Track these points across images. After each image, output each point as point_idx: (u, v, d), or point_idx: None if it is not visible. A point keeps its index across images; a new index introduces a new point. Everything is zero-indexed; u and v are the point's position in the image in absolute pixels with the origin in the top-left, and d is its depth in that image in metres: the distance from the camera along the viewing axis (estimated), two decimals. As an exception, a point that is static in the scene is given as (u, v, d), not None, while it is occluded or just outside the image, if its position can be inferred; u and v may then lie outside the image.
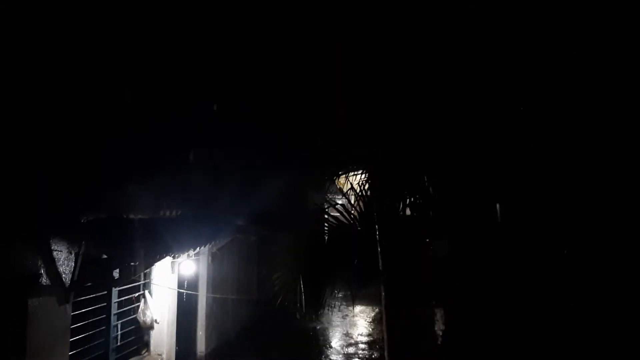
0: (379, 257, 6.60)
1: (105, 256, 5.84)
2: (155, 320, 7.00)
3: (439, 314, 8.04)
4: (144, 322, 6.86)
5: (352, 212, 7.72)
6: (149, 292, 7.12)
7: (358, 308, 16.40)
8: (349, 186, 7.98)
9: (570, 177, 6.05)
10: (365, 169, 7.49)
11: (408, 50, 5.99)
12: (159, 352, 7.30)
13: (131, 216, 5.79)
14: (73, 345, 5.41)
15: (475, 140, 6.26)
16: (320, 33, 6.12)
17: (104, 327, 6.17)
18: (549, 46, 5.55)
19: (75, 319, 5.47)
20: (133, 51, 5.47)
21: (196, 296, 9.00)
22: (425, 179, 7.22)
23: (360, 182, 7.57)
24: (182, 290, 7.92)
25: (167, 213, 6.55)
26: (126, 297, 6.69)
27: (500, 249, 6.58)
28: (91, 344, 5.92)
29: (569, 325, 6.13)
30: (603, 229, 5.84)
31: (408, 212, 7.52)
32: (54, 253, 4.85)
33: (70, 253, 5.08)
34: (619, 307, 5.76)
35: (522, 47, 5.66)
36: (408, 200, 7.09)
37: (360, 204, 7.42)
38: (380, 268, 6.60)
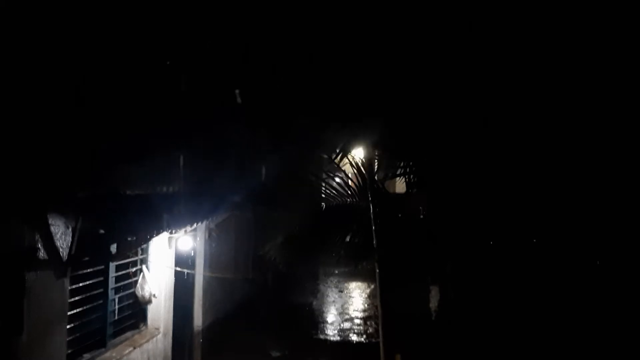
0: (373, 234, 6.64)
1: (102, 231, 5.87)
2: (153, 295, 7.06)
3: (433, 291, 8.15)
4: (142, 296, 6.91)
5: (348, 190, 7.74)
6: (147, 267, 7.16)
7: (353, 284, 16.57)
8: (347, 163, 7.98)
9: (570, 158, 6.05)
10: (363, 144, 7.48)
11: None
12: (156, 326, 7.38)
13: (128, 192, 5.79)
14: (71, 318, 5.47)
15: (476, 117, 6.23)
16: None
17: (101, 302, 6.22)
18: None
19: (73, 293, 5.52)
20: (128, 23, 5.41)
21: (193, 271, 9.06)
22: (423, 155, 7.22)
23: (358, 159, 7.58)
24: (180, 270, 7.97)
25: (165, 189, 6.56)
26: (123, 272, 6.73)
27: (497, 229, 6.62)
28: (89, 318, 5.97)
29: (564, 307, 6.21)
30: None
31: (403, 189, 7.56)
32: (51, 228, 4.87)
33: (68, 228, 5.10)
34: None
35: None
36: (405, 178, 7.10)
37: (357, 180, 7.44)
38: (375, 246, 6.63)
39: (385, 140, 6.70)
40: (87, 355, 5.93)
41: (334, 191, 7.92)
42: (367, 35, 5.78)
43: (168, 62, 6.28)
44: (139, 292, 6.90)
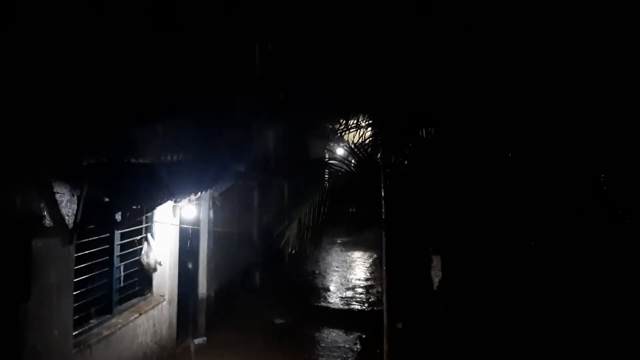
0: (382, 203, 6.64)
1: (107, 199, 5.88)
2: (159, 263, 7.12)
3: (435, 260, 8.20)
4: (148, 264, 6.98)
5: (353, 160, 7.73)
6: (151, 235, 7.21)
7: (356, 254, 16.70)
8: (352, 134, 7.96)
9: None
10: (370, 114, 7.44)
11: None
12: (162, 294, 7.47)
13: (133, 160, 5.79)
14: (77, 285, 5.52)
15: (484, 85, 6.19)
16: None
17: (107, 269, 6.28)
18: None
19: (79, 260, 5.56)
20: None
21: (198, 240, 9.12)
22: (428, 129, 7.20)
23: (364, 132, 7.54)
24: (184, 238, 8.02)
25: (169, 157, 6.55)
26: (128, 240, 6.78)
27: (500, 202, 6.64)
28: (95, 285, 6.03)
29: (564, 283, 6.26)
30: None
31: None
32: (57, 195, 4.88)
33: (73, 196, 5.11)
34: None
35: None
36: (410, 148, 7.10)
37: (363, 151, 7.42)
38: (383, 215, 6.65)
39: (391, 110, 6.67)
40: (93, 321, 6.02)
41: (338, 162, 7.91)
42: None
43: (173, 27, 6.21)
44: (144, 259, 6.96)
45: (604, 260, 6.09)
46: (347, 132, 7.85)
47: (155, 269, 7.14)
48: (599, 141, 6.03)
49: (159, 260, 7.15)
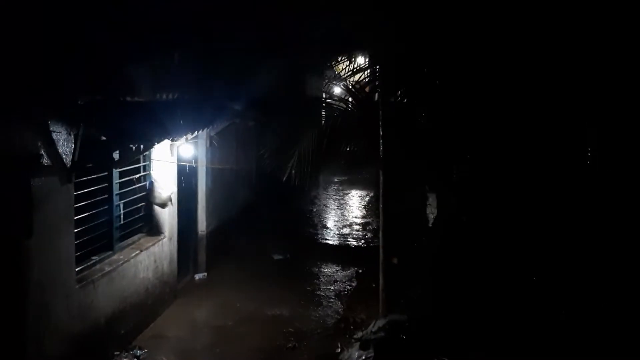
0: (380, 141, 6.65)
1: (104, 138, 5.89)
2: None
3: (431, 198, 8.29)
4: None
5: (351, 99, 7.68)
6: (151, 174, 7.30)
7: (353, 192, 16.86)
8: (349, 73, 7.87)
9: None
10: (368, 51, 7.32)
11: None
12: (162, 231, 7.59)
13: (129, 98, 5.75)
14: (78, 223, 5.61)
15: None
16: None
17: (106, 207, 6.35)
18: None
19: (79, 198, 5.62)
20: None
21: (196, 178, 9.18)
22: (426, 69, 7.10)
23: (362, 72, 7.45)
24: (182, 175, 8.07)
25: (165, 96, 6.50)
26: (127, 179, 6.83)
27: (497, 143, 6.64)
28: (95, 222, 6.13)
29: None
30: None
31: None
32: (53, 134, 4.89)
33: (70, 135, 5.12)
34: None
35: None
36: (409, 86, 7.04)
37: (361, 90, 7.36)
38: (381, 154, 6.68)
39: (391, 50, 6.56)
40: (95, 258, 6.14)
41: (335, 101, 7.86)
42: None
43: None
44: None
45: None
46: (347, 73, 7.77)
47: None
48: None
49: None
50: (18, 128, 4.46)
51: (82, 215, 5.74)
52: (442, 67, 6.73)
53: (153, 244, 7.25)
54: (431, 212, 8.21)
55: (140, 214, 7.31)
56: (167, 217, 7.63)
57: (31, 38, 4.31)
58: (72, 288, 5.42)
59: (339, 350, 6.61)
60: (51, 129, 4.86)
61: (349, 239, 12.09)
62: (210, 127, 8.39)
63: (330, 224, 13.55)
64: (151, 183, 7.29)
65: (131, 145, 6.19)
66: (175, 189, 7.76)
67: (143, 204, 7.35)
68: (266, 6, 6.83)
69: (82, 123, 5.12)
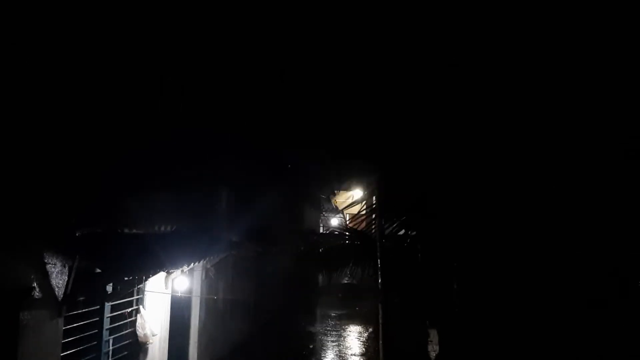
0: (379, 276, 6.61)
1: (99, 270, 5.82)
2: (154, 334, 6.98)
3: (432, 334, 8.03)
4: (144, 335, 6.85)
5: (348, 233, 7.74)
6: (143, 307, 7.08)
7: (351, 327, 16.35)
8: (346, 205, 8.01)
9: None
10: (368, 186, 7.51)
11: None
12: (151, 369, 7.24)
13: (126, 231, 5.78)
14: (64, 359, 5.36)
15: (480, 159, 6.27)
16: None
17: (95, 342, 6.11)
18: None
19: (67, 333, 5.42)
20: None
21: (189, 311, 8.95)
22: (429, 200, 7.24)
23: (360, 205, 7.59)
24: (176, 310, 7.88)
25: (162, 228, 6.55)
26: (119, 312, 6.64)
27: (496, 274, 6.59)
28: (83, 359, 5.85)
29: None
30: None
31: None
32: (48, 266, 4.84)
33: (64, 267, 5.06)
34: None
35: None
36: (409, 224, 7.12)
37: (358, 224, 7.45)
38: (380, 287, 6.60)
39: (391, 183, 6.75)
40: (80, 398, 5.80)
41: (333, 234, 7.92)
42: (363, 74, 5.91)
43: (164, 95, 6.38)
44: (139, 331, 6.82)
45: None
46: (345, 207, 7.94)
47: (151, 341, 6.98)
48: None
49: (154, 331, 7.00)
50: (12, 260, 4.43)
51: (69, 352, 5.50)
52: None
53: (141, 384, 6.87)
54: (433, 350, 7.90)
55: (130, 351, 7.01)
56: (158, 353, 7.32)
57: (31, 173, 4.42)
58: None
59: None
60: (46, 260, 4.82)
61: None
62: (207, 259, 8.35)
63: (328, 360, 12.96)
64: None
65: (126, 278, 6.11)
66: (167, 324, 7.52)
67: (135, 339, 7.05)
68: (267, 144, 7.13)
69: (78, 255, 5.09)
